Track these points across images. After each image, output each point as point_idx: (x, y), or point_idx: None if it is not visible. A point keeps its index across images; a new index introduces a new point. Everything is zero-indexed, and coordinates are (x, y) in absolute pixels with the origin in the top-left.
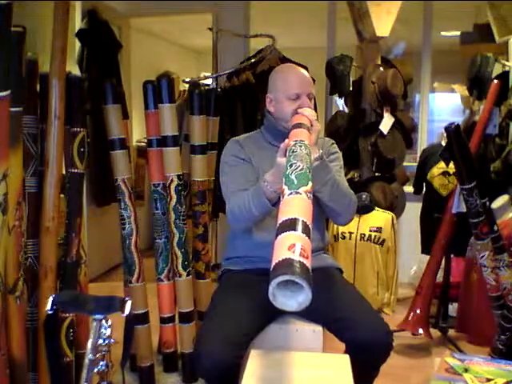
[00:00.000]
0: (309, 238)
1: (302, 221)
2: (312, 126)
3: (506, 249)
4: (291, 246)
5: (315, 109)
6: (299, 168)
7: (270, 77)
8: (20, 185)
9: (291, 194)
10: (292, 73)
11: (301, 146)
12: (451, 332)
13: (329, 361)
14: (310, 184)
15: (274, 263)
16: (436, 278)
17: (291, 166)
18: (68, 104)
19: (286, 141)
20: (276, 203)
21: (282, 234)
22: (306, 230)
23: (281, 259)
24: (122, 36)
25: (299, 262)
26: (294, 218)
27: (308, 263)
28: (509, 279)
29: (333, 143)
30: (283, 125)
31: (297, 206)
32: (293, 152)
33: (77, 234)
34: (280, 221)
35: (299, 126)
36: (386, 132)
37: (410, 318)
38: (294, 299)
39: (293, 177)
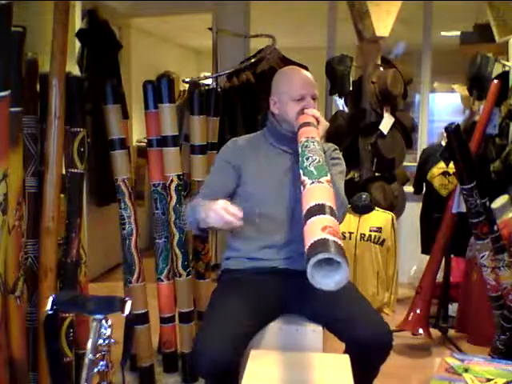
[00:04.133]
0: (337, 221)
1: (329, 206)
2: (319, 123)
3: (506, 249)
4: (324, 228)
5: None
6: (316, 160)
7: (273, 79)
8: (20, 185)
9: (313, 183)
10: (296, 74)
11: (313, 142)
12: (451, 332)
13: (329, 361)
14: (329, 175)
15: (308, 245)
16: (436, 277)
17: (308, 159)
18: (68, 104)
19: None
20: (201, 230)
21: (312, 219)
22: (333, 214)
23: (316, 239)
24: (121, 36)
25: (334, 241)
26: (321, 203)
27: (341, 243)
28: (509, 279)
29: (335, 149)
30: (286, 127)
31: (321, 192)
32: (306, 147)
33: (77, 234)
34: (307, 207)
35: (307, 124)
36: (385, 132)
37: (410, 318)
38: (331, 278)
39: (312, 168)
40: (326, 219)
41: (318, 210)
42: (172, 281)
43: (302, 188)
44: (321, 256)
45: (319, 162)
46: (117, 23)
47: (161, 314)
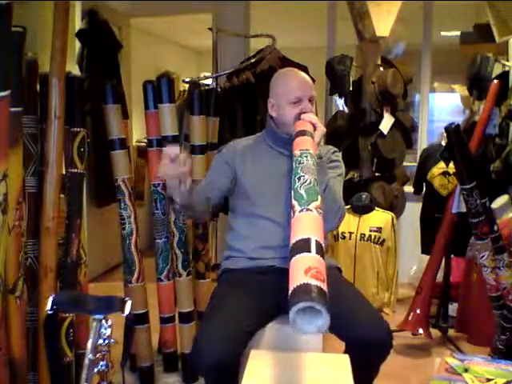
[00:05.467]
0: (323, 257)
1: (316, 240)
2: (315, 129)
3: (506, 249)
4: (307, 270)
5: (316, 110)
6: (308, 182)
7: (271, 82)
8: (20, 185)
9: (302, 210)
10: (293, 77)
11: (306, 157)
12: (451, 332)
13: (329, 361)
14: (320, 198)
15: (291, 288)
16: (436, 277)
17: (299, 179)
18: (68, 104)
19: None
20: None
21: (297, 256)
22: (319, 250)
23: (298, 284)
24: (121, 36)
25: (316, 286)
26: (307, 237)
27: (324, 286)
28: (509, 279)
29: (335, 151)
30: (284, 129)
31: (309, 224)
32: (300, 163)
33: (77, 234)
34: (293, 240)
35: (303, 133)
36: (385, 132)
37: (410, 318)
38: (313, 323)
39: (302, 191)
40: (310, 258)
41: (303, 245)
42: (172, 281)
43: (292, 214)
44: (302, 305)
45: (310, 182)
46: (117, 23)
47: (161, 314)
